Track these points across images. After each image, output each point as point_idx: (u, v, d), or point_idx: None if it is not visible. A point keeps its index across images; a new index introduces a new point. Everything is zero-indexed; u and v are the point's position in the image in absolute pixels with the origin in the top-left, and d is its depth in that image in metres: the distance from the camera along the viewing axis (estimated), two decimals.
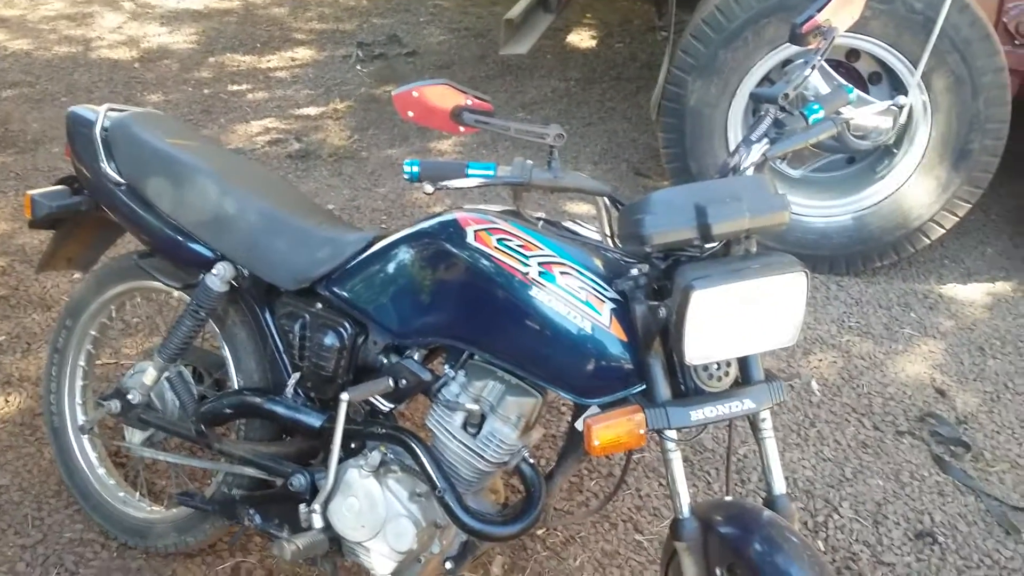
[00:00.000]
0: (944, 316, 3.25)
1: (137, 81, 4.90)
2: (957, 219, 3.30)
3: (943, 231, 3.32)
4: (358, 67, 5.26)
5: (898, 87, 3.22)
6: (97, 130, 1.95)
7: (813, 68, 1.60)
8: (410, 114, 1.46)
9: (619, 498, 2.39)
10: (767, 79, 3.30)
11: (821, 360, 2.99)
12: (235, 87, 4.90)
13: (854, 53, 3.28)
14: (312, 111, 4.66)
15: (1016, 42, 3.36)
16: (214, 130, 4.37)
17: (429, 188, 1.43)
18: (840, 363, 2.98)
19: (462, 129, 1.47)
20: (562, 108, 4.84)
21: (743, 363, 1.53)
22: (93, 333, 2.17)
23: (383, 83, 5.05)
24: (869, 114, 2.97)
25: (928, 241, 3.35)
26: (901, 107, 3.14)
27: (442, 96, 1.45)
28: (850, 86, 1.72)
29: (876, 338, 3.11)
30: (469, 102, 1.45)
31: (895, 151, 3.32)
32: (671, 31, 3.67)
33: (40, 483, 2.31)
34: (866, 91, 3.25)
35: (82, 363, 2.18)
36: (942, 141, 3.20)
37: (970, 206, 3.27)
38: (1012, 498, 2.45)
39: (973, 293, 3.39)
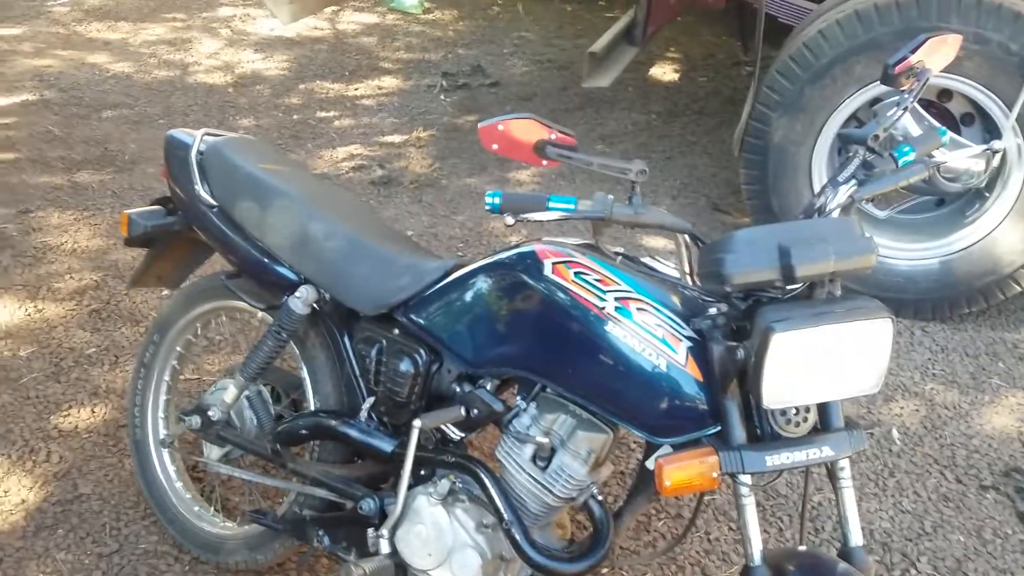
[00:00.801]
0: None
1: (230, 105, 5.07)
2: None
3: None
4: (442, 96, 5.35)
5: (992, 129, 3.13)
6: (193, 153, 2.02)
7: (905, 110, 1.56)
8: (495, 147, 1.49)
9: (688, 540, 2.34)
10: (854, 118, 3.24)
11: (903, 408, 2.89)
12: (323, 113, 5.03)
13: (946, 93, 3.19)
14: (396, 139, 4.75)
15: None
16: (301, 155, 4.49)
17: (510, 220, 1.45)
18: (923, 412, 2.88)
19: (545, 163, 1.49)
20: (642, 141, 4.83)
21: (823, 409, 1.49)
22: (179, 349, 2.24)
23: (465, 112, 5.12)
24: (962, 157, 2.89)
25: (1020, 288, 3.22)
26: (996, 151, 3.05)
27: (527, 130, 1.47)
28: (943, 128, 1.68)
29: (962, 387, 3.00)
30: (553, 136, 1.47)
31: (987, 195, 3.22)
32: (757, 66, 3.64)
33: (119, 493, 2.38)
34: (958, 132, 3.16)
35: (167, 378, 2.25)
36: None
37: None
38: None
39: None
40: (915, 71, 1.58)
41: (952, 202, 3.37)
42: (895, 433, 2.78)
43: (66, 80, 5.24)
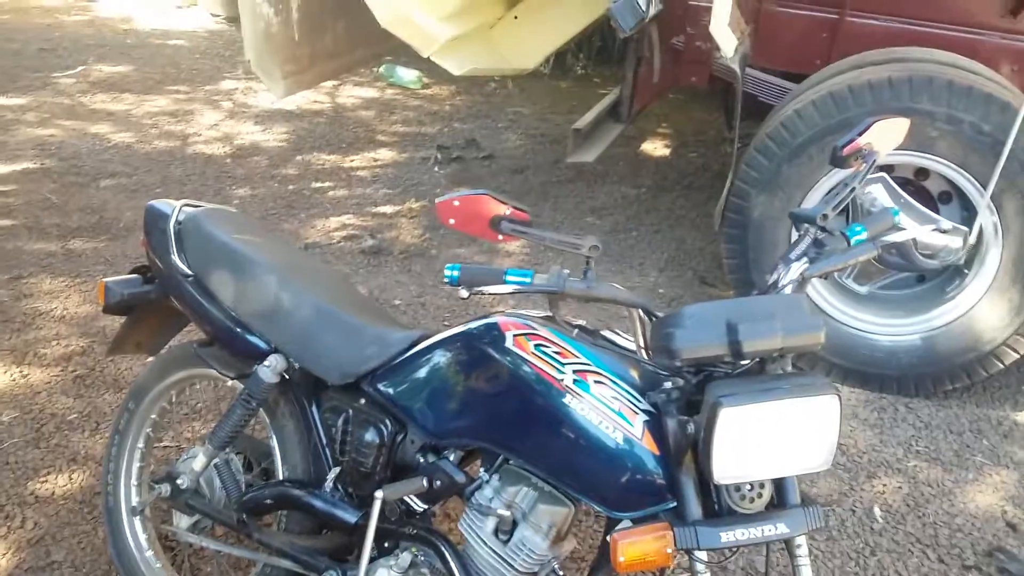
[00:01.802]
0: (1019, 445, 3.11)
1: (228, 176, 5.16)
2: None
3: (1017, 356, 3.20)
4: (436, 168, 5.45)
5: (969, 207, 3.18)
6: (171, 223, 2.07)
7: (852, 191, 1.61)
8: (451, 221, 1.53)
9: None
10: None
11: (886, 485, 2.88)
12: (318, 184, 5.12)
13: (923, 172, 3.25)
14: (388, 209, 4.82)
15: None
16: (294, 224, 4.56)
17: (464, 293, 1.48)
18: (906, 489, 2.86)
19: (500, 237, 1.52)
20: (631, 214, 4.90)
21: (779, 485, 1.50)
22: (153, 417, 2.25)
23: (458, 184, 5.21)
24: (924, 233, 2.94)
25: (1002, 365, 3.22)
26: (960, 226, 3.10)
27: (482, 205, 1.51)
28: (896, 208, 1.73)
29: (945, 465, 2.99)
30: (507, 212, 1.51)
31: (966, 271, 3.25)
32: (735, 143, 3.72)
33: (91, 562, 2.36)
34: (935, 210, 3.21)
35: (140, 445, 2.26)
36: (1014, 263, 3.12)
37: None
38: None
39: None
40: (863, 153, 1.63)
41: (933, 279, 3.40)
42: (877, 511, 2.76)
43: (67, 149, 5.35)
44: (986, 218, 3.11)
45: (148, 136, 5.70)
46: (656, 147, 6.06)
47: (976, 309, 3.20)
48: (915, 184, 3.29)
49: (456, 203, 1.51)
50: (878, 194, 3.12)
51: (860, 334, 3.34)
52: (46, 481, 2.63)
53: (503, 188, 5.13)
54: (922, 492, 2.85)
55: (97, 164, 5.16)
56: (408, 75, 7.17)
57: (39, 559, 2.36)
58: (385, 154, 5.70)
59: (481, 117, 6.52)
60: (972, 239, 3.13)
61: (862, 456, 3.00)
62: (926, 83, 3.07)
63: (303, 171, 5.31)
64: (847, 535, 2.64)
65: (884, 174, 3.16)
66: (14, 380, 3.08)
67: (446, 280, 1.52)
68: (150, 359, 2.68)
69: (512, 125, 6.37)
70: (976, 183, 3.10)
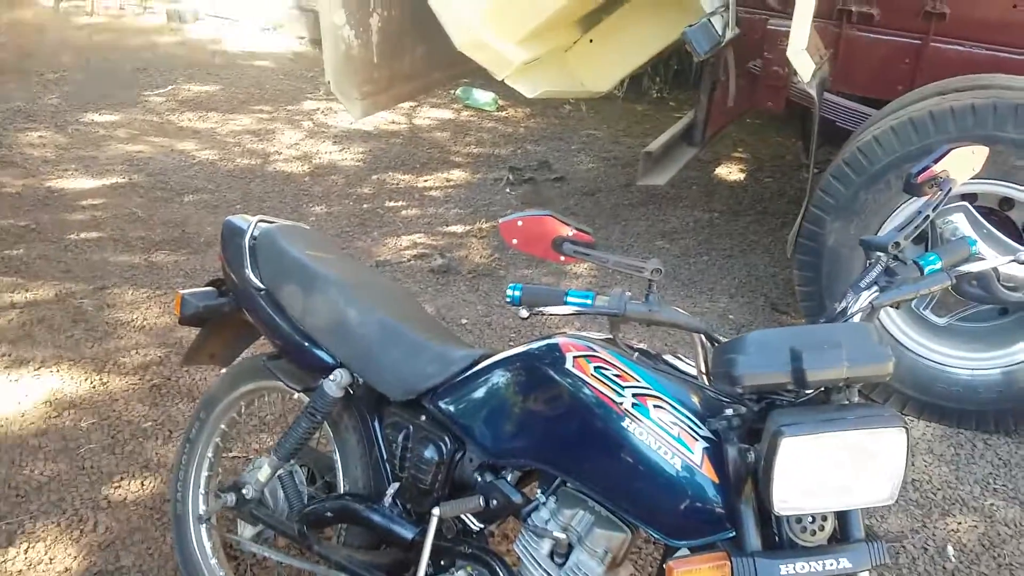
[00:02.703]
0: None
1: (305, 193, 5.29)
2: None
3: None
4: (507, 190, 5.49)
5: None
6: (247, 239, 2.13)
7: (926, 219, 1.56)
8: (514, 241, 1.54)
9: None
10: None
11: (960, 523, 2.77)
12: (391, 203, 5.20)
13: (1008, 202, 3.15)
14: (459, 229, 4.87)
15: None
16: (367, 242, 4.64)
17: (524, 313, 1.48)
18: (981, 528, 2.75)
19: (562, 258, 1.53)
20: (703, 239, 4.84)
21: (842, 519, 1.45)
22: (223, 427, 2.31)
23: (529, 205, 5.23)
24: (1002, 264, 2.83)
25: None
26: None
27: (545, 226, 1.51)
28: (973, 238, 1.67)
29: None
30: (570, 233, 1.51)
31: None
32: (811, 169, 3.66)
33: (159, 567, 2.43)
34: (1020, 241, 3.10)
35: (210, 455, 2.32)
36: None
37: None
38: None
39: None
40: (938, 181, 1.58)
41: (1016, 311, 3.27)
42: (950, 550, 2.66)
43: (154, 165, 5.55)
44: None
45: (231, 154, 5.89)
46: (730, 171, 5.99)
47: None
48: (999, 214, 3.18)
49: (520, 223, 1.52)
50: (959, 223, 3.03)
51: (938, 367, 3.23)
52: (119, 487, 2.72)
53: (574, 210, 5.13)
54: (998, 532, 2.74)
55: (182, 180, 5.35)
56: (484, 97, 7.25)
57: (108, 563, 2.43)
58: (458, 175, 5.76)
59: (554, 139, 6.55)
60: None
61: (936, 492, 2.90)
62: (1011, 111, 2.98)
63: (377, 190, 5.41)
64: (918, 573, 2.55)
65: (967, 203, 3.07)
66: (94, 387, 3.20)
67: (508, 300, 1.53)
68: (222, 370, 2.76)
69: (585, 148, 6.38)
70: None
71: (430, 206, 5.20)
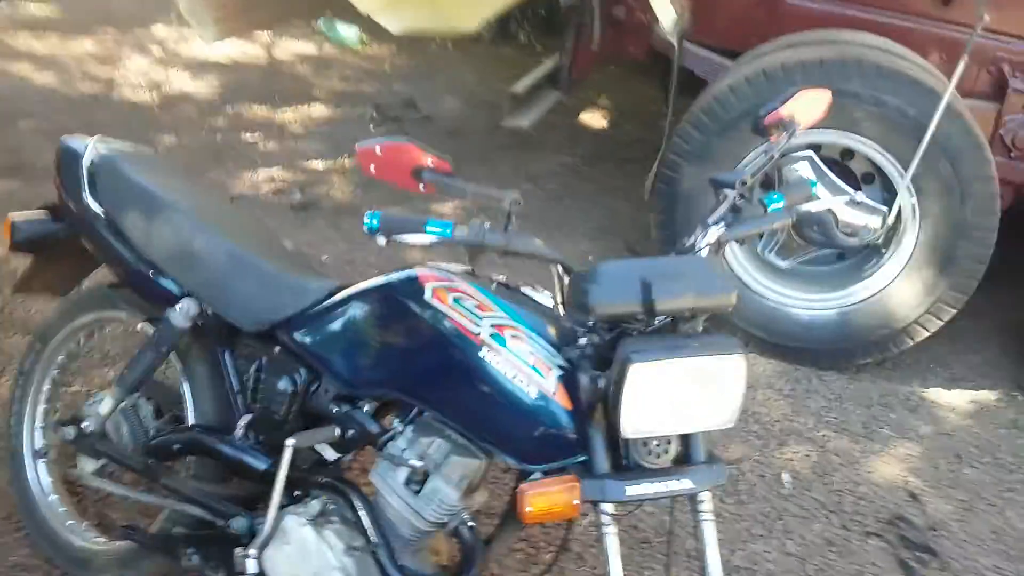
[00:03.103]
0: (924, 420, 3.23)
1: (153, 123, 5.00)
2: (941, 323, 3.29)
3: (927, 334, 3.31)
4: (371, 127, 5.37)
5: (890, 188, 3.26)
6: (84, 161, 2.00)
7: (772, 159, 1.63)
8: (372, 168, 1.51)
9: (575, 573, 2.35)
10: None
11: (796, 453, 2.96)
12: (248, 136, 5.00)
13: (849, 152, 3.32)
14: (319, 165, 4.74)
15: (1012, 154, 3.41)
16: (220, 175, 4.45)
17: (382, 241, 1.46)
18: (814, 457, 2.95)
19: (421, 188, 1.51)
20: (566, 183, 4.91)
21: (685, 442, 1.53)
22: (60, 359, 2.20)
23: None
24: (846, 206, 3.00)
25: (912, 343, 3.34)
26: (880, 206, 3.18)
27: (404, 154, 1.49)
28: (813, 180, 1.76)
29: (853, 436, 3.08)
30: (430, 162, 1.49)
31: (883, 251, 3.34)
32: (669, 116, 3.75)
33: None
34: (858, 189, 3.29)
35: (46, 388, 2.20)
36: (929, 245, 3.22)
37: (955, 311, 3.26)
38: None
39: (956, 399, 3.37)
40: (784, 123, 1.65)
41: (852, 256, 3.48)
42: (786, 477, 2.83)
43: None
44: (905, 199, 3.20)
45: (72, 78, 5.49)
46: (594, 118, 6.07)
47: (891, 287, 3.30)
48: (840, 164, 3.36)
49: (378, 150, 1.50)
50: (803, 170, 3.18)
51: (780, 307, 3.41)
52: None
53: (438, 150, 5.07)
54: (830, 461, 2.94)
55: (16, 105, 4.95)
56: (348, 32, 7.01)
57: None
58: (320, 110, 5.59)
59: (420, 79, 6.43)
60: (891, 219, 3.22)
61: (774, 424, 3.08)
62: (856, 65, 3.13)
63: (233, 123, 5.19)
64: (756, 499, 2.71)
65: (811, 152, 3.22)
66: None
67: (365, 227, 1.50)
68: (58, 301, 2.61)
69: (452, 89, 6.30)
70: (897, 165, 3.18)
71: (290, 141, 5.04)
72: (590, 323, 1.48)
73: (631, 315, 1.42)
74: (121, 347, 2.91)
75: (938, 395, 3.38)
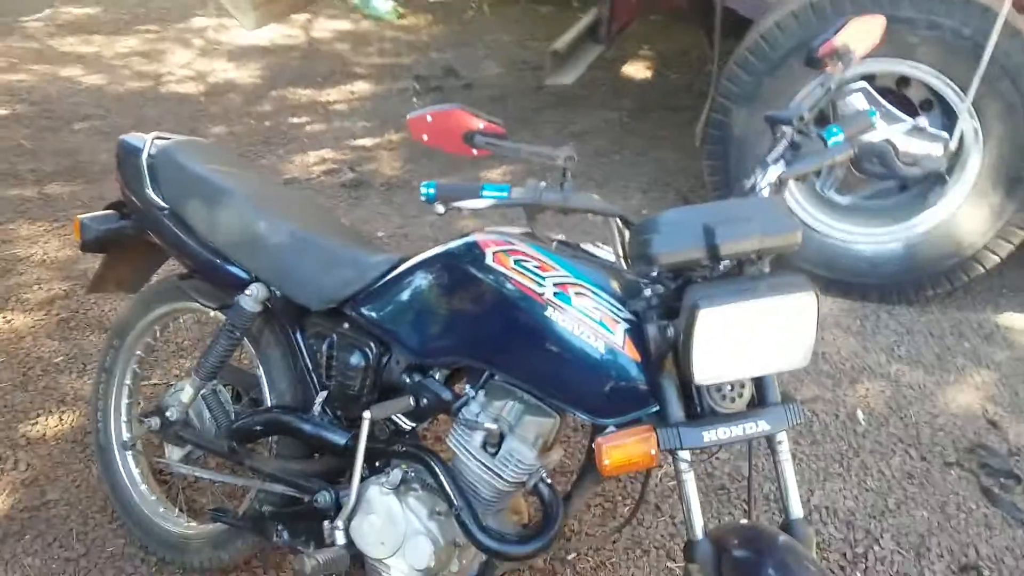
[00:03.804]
0: (999, 346, 3.15)
1: (202, 114, 5.09)
2: (1012, 247, 3.20)
3: (998, 260, 3.23)
4: (414, 99, 5.38)
5: (950, 114, 3.17)
6: (143, 157, 2.05)
7: (828, 91, 1.59)
8: (424, 137, 1.51)
9: (653, 525, 2.37)
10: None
11: (868, 389, 2.92)
12: (295, 119, 5.05)
13: (905, 80, 3.23)
14: (367, 142, 4.77)
15: None
16: (272, 160, 4.51)
17: (440, 208, 1.47)
18: (888, 392, 2.91)
19: (475, 152, 1.51)
20: (613, 138, 4.86)
21: (759, 384, 1.51)
22: (139, 353, 2.26)
23: None
24: (905, 136, 2.92)
25: (983, 270, 3.25)
26: (941, 132, 3.08)
27: (455, 120, 1.49)
28: (873, 109, 1.71)
29: (927, 368, 3.03)
30: (481, 125, 1.49)
31: (947, 178, 3.25)
32: (715, 60, 3.68)
33: (86, 499, 2.39)
34: (916, 118, 3.19)
35: (128, 382, 2.27)
36: (994, 168, 3.13)
37: None
38: None
39: None
40: (839, 53, 1.61)
41: (914, 187, 3.40)
42: (860, 414, 2.80)
43: (38, 94, 5.25)
44: (967, 124, 3.11)
45: (120, 77, 5.60)
46: (637, 69, 5.99)
47: (957, 215, 3.22)
48: (896, 93, 3.26)
49: (429, 118, 1.50)
50: (858, 102, 3.09)
51: (843, 244, 3.35)
52: (36, 423, 2.65)
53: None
54: (904, 395, 2.89)
55: (69, 108, 5.08)
56: (383, 5, 7.02)
57: (34, 499, 2.38)
58: (362, 87, 5.61)
59: (459, 46, 6.41)
60: (953, 145, 3.12)
61: (845, 363, 3.04)
62: None
63: (279, 107, 5.24)
64: (831, 438, 2.69)
65: (865, 83, 3.13)
66: None
67: (422, 197, 1.52)
68: (131, 297, 2.69)
69: (491, 53, 6.27)
70: (957, 89, 3.08)
71: (336, 120, 5.07)
72: (654, 274, 1.47)
73: (695, 262, 1.41)
74: (193, 336, 2.99)
75: (1012, 320, 3.30)
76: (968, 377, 2.99)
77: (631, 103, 5.35)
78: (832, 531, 2.36)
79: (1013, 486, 2.51)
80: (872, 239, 3.34)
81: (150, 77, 5.63)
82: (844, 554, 2.29)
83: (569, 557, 2.25)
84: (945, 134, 3.11)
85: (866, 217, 3.38)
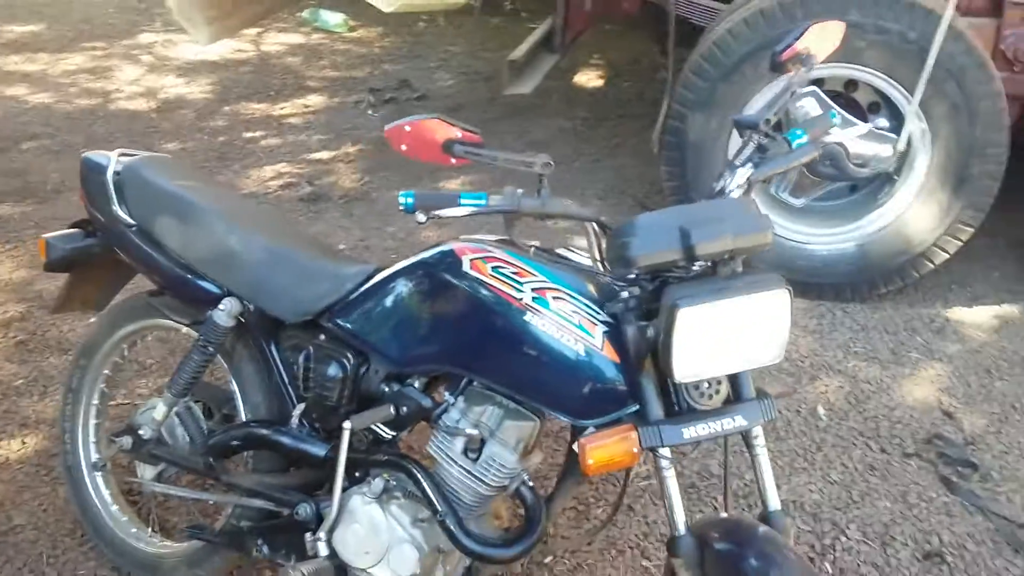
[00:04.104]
0: (951, 340, 3.25)
1: (154, 131, 5.03)
2: (960, 244, 3.31)
3: (947, 256, 3.34)
4: (369, 112, 5.38)
5: (897, 116, 3.27)
6: (109, 174, 2.02)
7: (792, 95, 1.64)
8: (403, 147, 1.52)
9: (626, 525, 2.40)
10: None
11: (827, 385, 3.00)
12: (249, 134, 5.02)
13: (853, 83, 3.33)
14: (324, 155, 4.76)
15: (1015, 68, 3.40)
16: (228, 176, 4.47)
17: (421, 217, 1.48)
18: (847, 388, 2.98)
19: (453, 161, 1.53)
20: (569, 146, 4.91)
21: (734, 381, 1.55)
22: (106, 372, 2.23)
23: None
24: (856, 137, 3.01)
25: (932, 266, 3.36)
26: (890, 134, 3.18)
27: (433, 130, 1.51)
28: (834, 111, 1.77)
29: (882, 363, 3.12)
30: (459, 134, 1.51)
31: (896, 178, 3.35)
32: (670, 67, 3.75)
33: (55, 522, 2.35)
34: (865, 121, 3.29)
35: (96, 402, 2.24)
36: (942, 167, 3.24)
37: (973, 230, 3.29)
38: (1021, 517, 2.43)
39: (979, 317, 3.40)
40: (801, 58, 1.66)
41: (864, 187, 3.50)
42: (820, 410, 2.87)
43: None
44: (914, 124, 3.21)
45: (67, 95, 5.51)
46: (590, 78, 6.06)
47: (907, 213, 3.32)
48: (845, 96, 3.36)
49: (408, 128, 1.51)
50: (810, 107, 3.17)
51: (798, 245, 3.43)
52: None
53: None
54: (862, 389, 2.97)
55: (16, 127, 4.99)
56: (333, 18, 7.01)
57: (0, 524, 2.33)
58: (316, 100, 5.60)
59: (412, 58, 6.43)
60: (901, 146, 3.22)
61: (804, 360, 3.11)
62: None
63: (232, 122, 5.20)
64: (794, 434, 2.75)
65: (815, 87, 3.22)
66: None
67: (401, 207, 1.52)
68: (94, 317, 2.65)
69: (444, 64, 6.30)
70: (904, 91, 3.18)
71: (290, 134, 5.05)
72: (632, 276, 1.50)
73: (672, 263, 1.44)
74: (157, 355, 2.95)
75: (962, 314, 3.41)
76: (922, 370, 3.08)
77: (584, 111, 5.42)
78: (800, 524, 2.41)
79: (970, 474, 2.60)
80: (826, 239, 3.43)
81: (98, 94, 5.55)
82: (812, 546, 2.34)
83: (546, 560, 2.27)
84: (893, 136, 3.22)
85: (819, 218, 3.47)
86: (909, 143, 3.25)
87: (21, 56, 6.19)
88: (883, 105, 3.33)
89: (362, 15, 7.07)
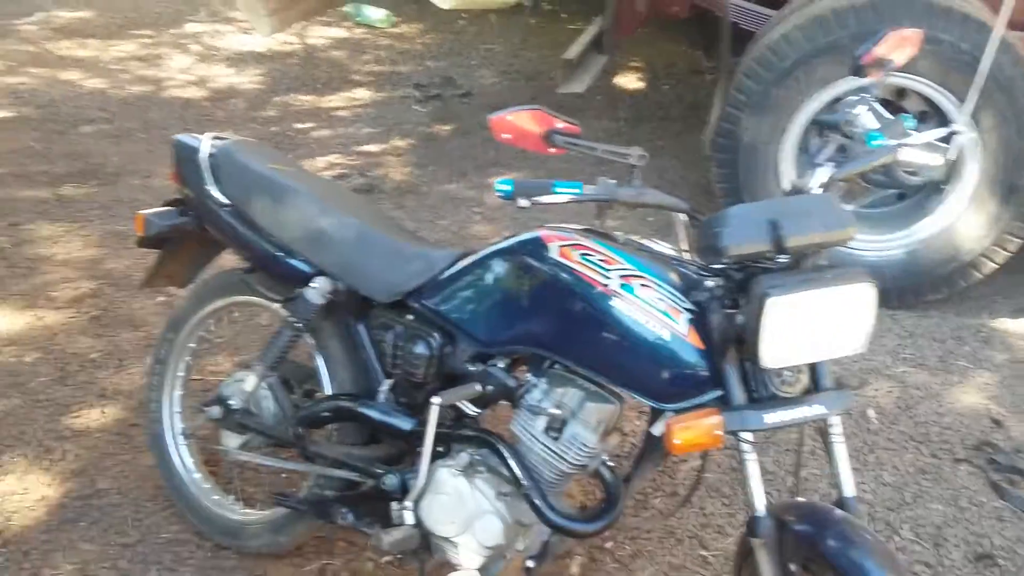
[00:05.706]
0: (997, 349, 3.29)
1: (208, 119, 5.14)
2: (1008, 254, 3.36)
3: (995, 266, 3.39)
4: (415, 107, 5.47)
5: (946, 125, 3.32)
6: (203, 156, 2.12)
7: (873, 98, 1.71)
8: (505, 136, 1.61)
9: (684, 516, 2.46)
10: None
11: (877, 390, 3.04)
12: (300, 125, 5.12)
13: (901, 92, 3.38)
14: (373, 148, 4.86)
15: None
16: None
17: (524, 203, 1.57)
18: (896, 393, 3.03)
19: (552, 150, 1.61)
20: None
21: (813, 371, 1.62)
22: (192, 345, 2.33)
23: (440, 122, 5.25)
24: (917, 148, 3.07)
25: (980, 276, 3.41)
26: (947, 143, 3.23)
27: (535, 120, 1.59)
28: (907, 115, 1.83)
29: (931, 369, 3.16)
30: (560, 125, 1.59)
31: (944, 187, 3.40)
32: (723, 70, 3.82)
33: (137, 488, 2.45)
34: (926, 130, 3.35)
35: (181, 374, 2.34)
36: (991, 177, 3.29)
37: (1021, 241, 3.34)
38: None
39: None
40: (880, 62, 1.73)
41: (913, 195, 3.55)
42: (871, 413, 2.92)
43: (41, 97, 5.26)
44: (964, 134, 3.26)
45: (120, 81, 5.63)
46: (629, 80, 6.13)
47: (956, 222, 3.37)
48: (895, 104, 3.42)
49: (510, 118, 1.59)
50: (862, 114, 3.24)
51: (847, 251, 3.48)
52: (79, 416, 2.69)
53: (484, 125, 5.16)
54: (911, 395, 3.02)
55: (73, 111, 5.11)
56: (376, 14, 7.10)
57: (85, 488, 2.43)
58: (362, 94, 5.70)
59: (454, 55, 6.52)
60: (952, 155, 3.28)
61: (853, 365, 3.16)
62: (906, 5, 3.19)
63: (282, 112, 5.31)
64: (846, 436, 2.78)
65: (865, 95, 3.28)
66: (29, 323, 3.12)
67: (500, 195, 1.61)
68: (173, 293, 2.74)
69: (485, 62, 6.39)
70: (955, 99, 3.24)
71: (340, 126, 5.15)
72: (720, 265, 1.58)
73: (760, 254, 1.52)
74: (230, 335, 3.04)
75: (1007, 325, 3.45)
76: (970, 378, 3.12)
77: (627, 113, 5.49)
78: None
79: (1020, 481, 2.64)
80: (874, 246, 3.48)
81: (151, 81, 5.67)
82: None
83: (607, 545, 2.34)
84: (944, 145, 3.27)
85: (869, 225, 3.52)
86: (960, 152, 3.31)
87: (72, 41, 6.31)
88: (932, 113, 3.38)
89: (404, 11, 7.17)
